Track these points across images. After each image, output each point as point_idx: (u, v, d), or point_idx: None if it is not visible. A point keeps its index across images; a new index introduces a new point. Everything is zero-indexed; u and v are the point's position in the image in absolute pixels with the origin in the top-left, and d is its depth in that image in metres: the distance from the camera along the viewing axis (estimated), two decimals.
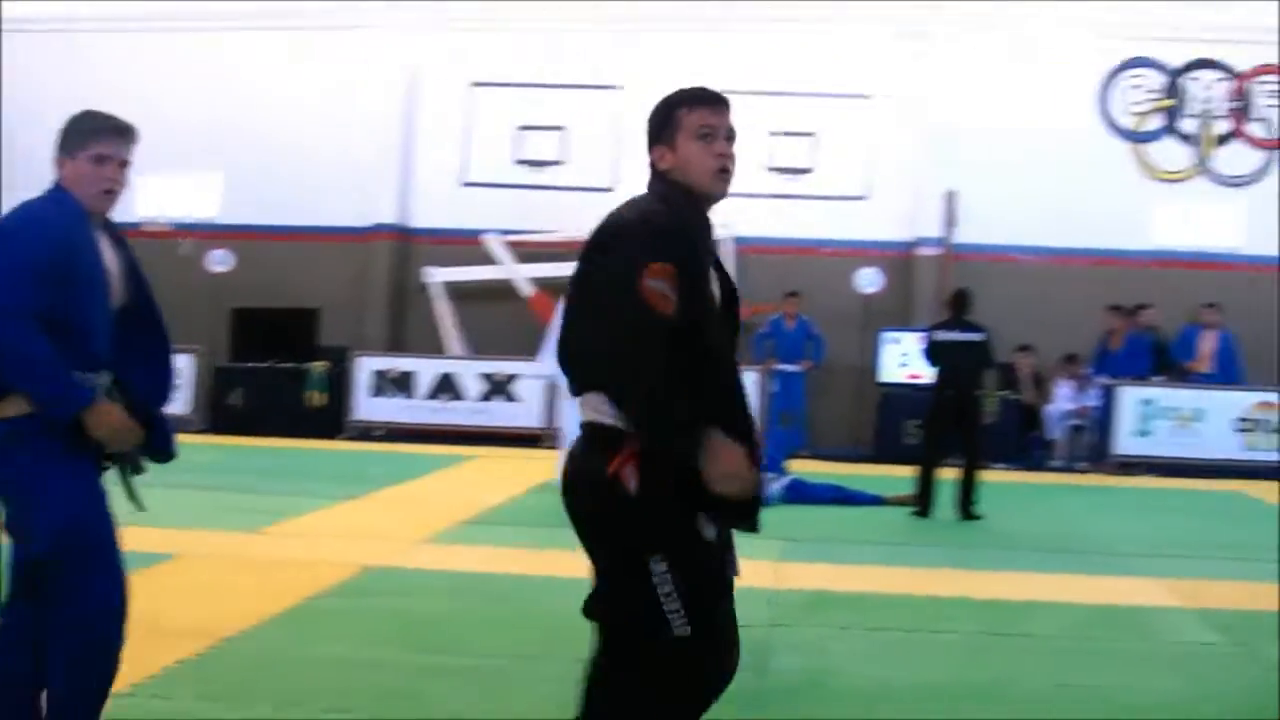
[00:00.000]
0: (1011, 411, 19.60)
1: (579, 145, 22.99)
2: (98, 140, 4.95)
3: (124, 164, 5.02)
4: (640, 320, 4.04)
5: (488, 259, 22.32)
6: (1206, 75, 23.33)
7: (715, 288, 4.38)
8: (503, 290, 22.10)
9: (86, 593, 4.82)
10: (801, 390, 21.22)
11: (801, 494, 15.05)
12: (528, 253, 22.26)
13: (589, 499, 4.22)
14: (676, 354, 4.03)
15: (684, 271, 4.16)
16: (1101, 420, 20.48)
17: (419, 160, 23.49)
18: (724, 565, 4.34)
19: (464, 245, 22.53)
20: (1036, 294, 21.99)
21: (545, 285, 21.88)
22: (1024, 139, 22.56)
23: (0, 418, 4.76)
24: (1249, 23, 22.98)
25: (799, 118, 22.88)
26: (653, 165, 4.54)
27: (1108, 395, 20.25)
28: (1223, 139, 23.24)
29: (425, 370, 21.29)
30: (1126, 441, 20.03)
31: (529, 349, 20.83)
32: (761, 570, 10.45)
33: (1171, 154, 23.20)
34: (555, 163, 22.98)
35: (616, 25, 23.05)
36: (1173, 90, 23.25)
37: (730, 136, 4.46)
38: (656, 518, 4.10)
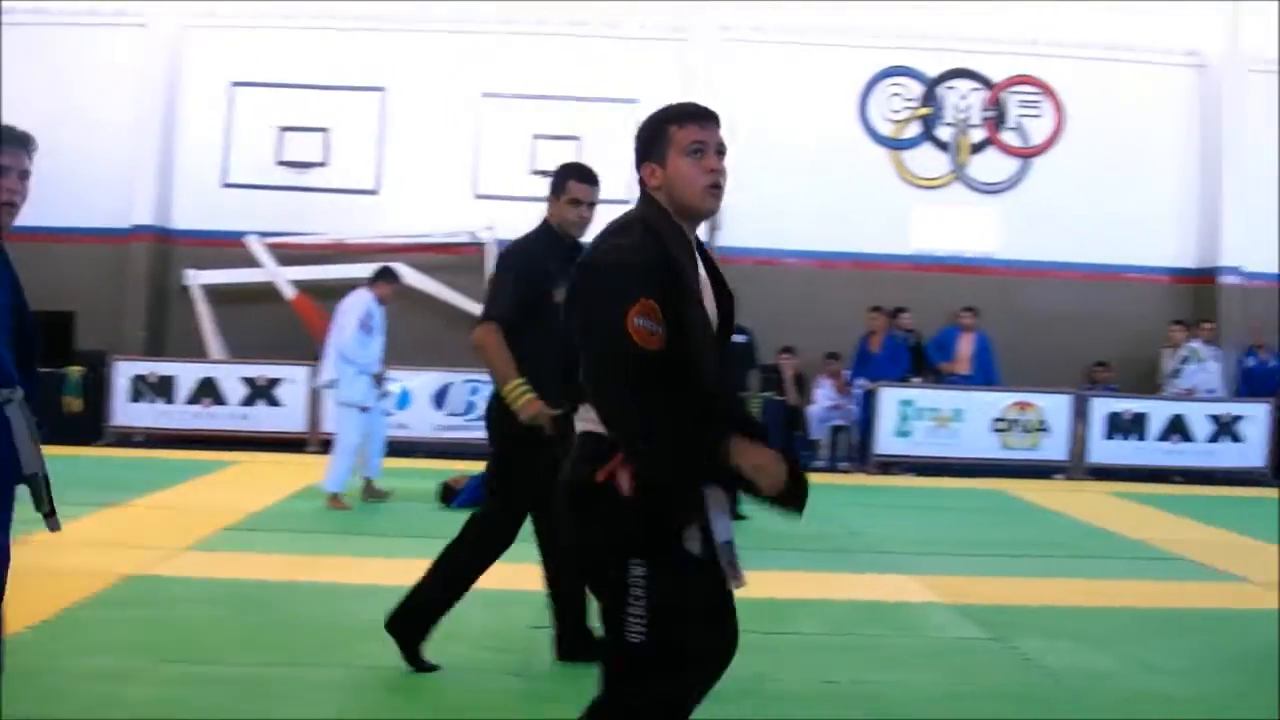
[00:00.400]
0: (775, 412, 19.81)
1: (342, 147, 22.73)
2: (12, 151, 4.82)
3: (24, 174, 4.91)
4: (627, 359, 4.09)
5: (250, 261, 21.95)
6: (963, 85, 23.87)
7: (710, 300, 4.45)
8: (265, 293, 21.75)
9: None
10: None
11: None
12: (290, 255, 21.94)
13: (576, 504, 4.25)
14: (671, 380, 4.13)
15: (668, 302, 4.19)
16: (862, 420, 20.81)
17: (179, 160, 23.00)
18: (718, 581, 4.32)
19: (225, 247, 22.10)
20: (800, 297, 22.29)
21: (308, 288, 21.61)
22: (787, 144, 22.85)
23: None
24: (1004, 34, 23.61)
25: (564, 122, 22.89)
26: (641, 183, 4.52)
27: (868, 396, 20.58)
28: (978, 147, 23.80)
29: (186, 374, 20.81)
30: (887, 441, 20.35)
31: (292, 352, 20.59)
32: (527, 572, 10.43)
33: (929, 161, 23.70)
34: (318, 164, 22.68)
35: (380, 27, 22.82)
36: (930, 99, 23.74)
37: (720, 151, 4.55)
38: (643, 524, 4.13)
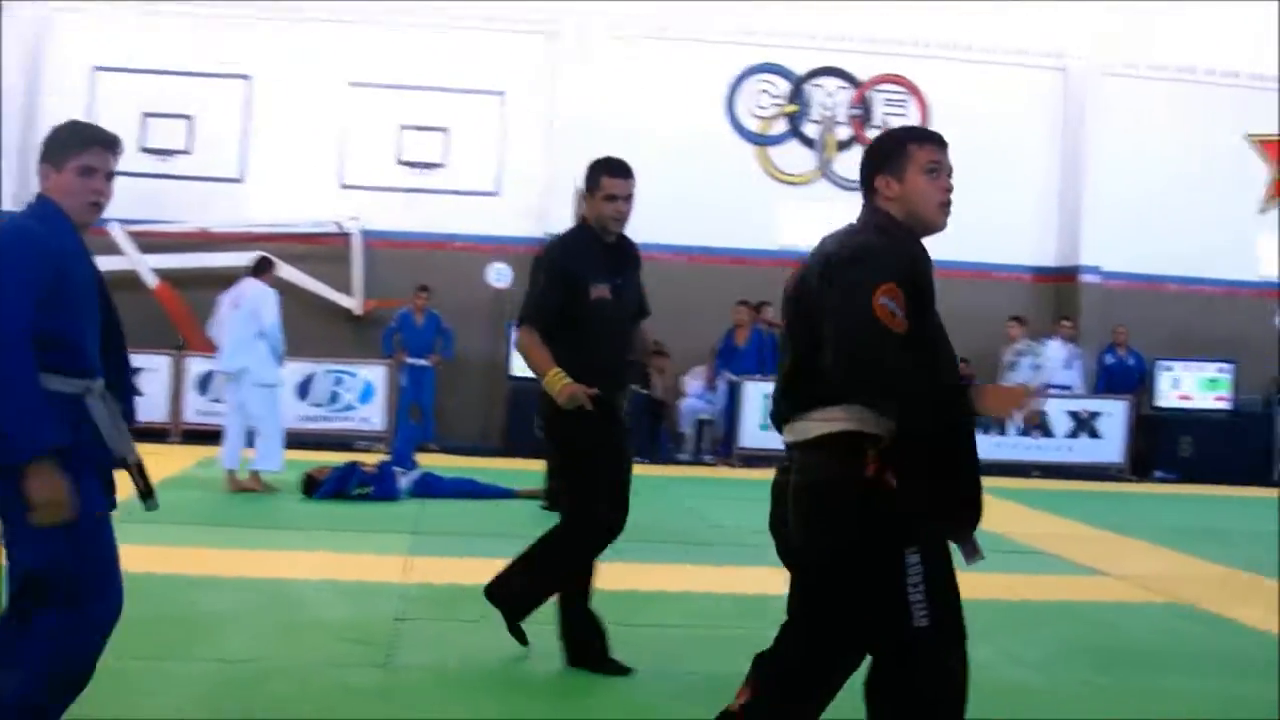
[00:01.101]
0: (642, 406, 19.85)
1: (206, 135, 22.46)
2: (85, 152, 4.94)
3: (110, 175, 5.02)
4: (876, 334, 4.37)
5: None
6: (829, 83, 24.05)
7: None
8: (127, 281, 21.39)
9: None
10: (431, 384, 21.13)
11: (431, 488, 14.99)
12: (153, 243, 21.64)
13: (840, 501, 4.47)
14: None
15: (910, 294, 4.50)
16: (727, 414, 20.91)
17: (39, 145, 22.56)
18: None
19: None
20: (667, 292, 22.24)
21: (170, 276, 21.35)
22: (656, 139, 22.84)
23: None
24: (871, 33, 23.81)
25: (431, 112, 22.79)
26: (873, 194, 4.81)
27: (733, 390, 20.68)
28: (844, 144, 23.98)
29: None
30: (752, 435, 20.43)
31: (153, 341, 20.31)
32: (390, 565, 10.40)
33: (796, 158, 23.86)
34: (182, 152, 22.38)
35: (246, 14, 22.57)
36: (797, 96, 23.89)
37: (950, 173, 4.88)
38: (913, 515, 4.46)
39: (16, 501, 4.69)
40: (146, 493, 5.25)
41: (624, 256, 7.69)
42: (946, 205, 4.84)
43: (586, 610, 7.50)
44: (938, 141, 4.88)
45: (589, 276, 7.33)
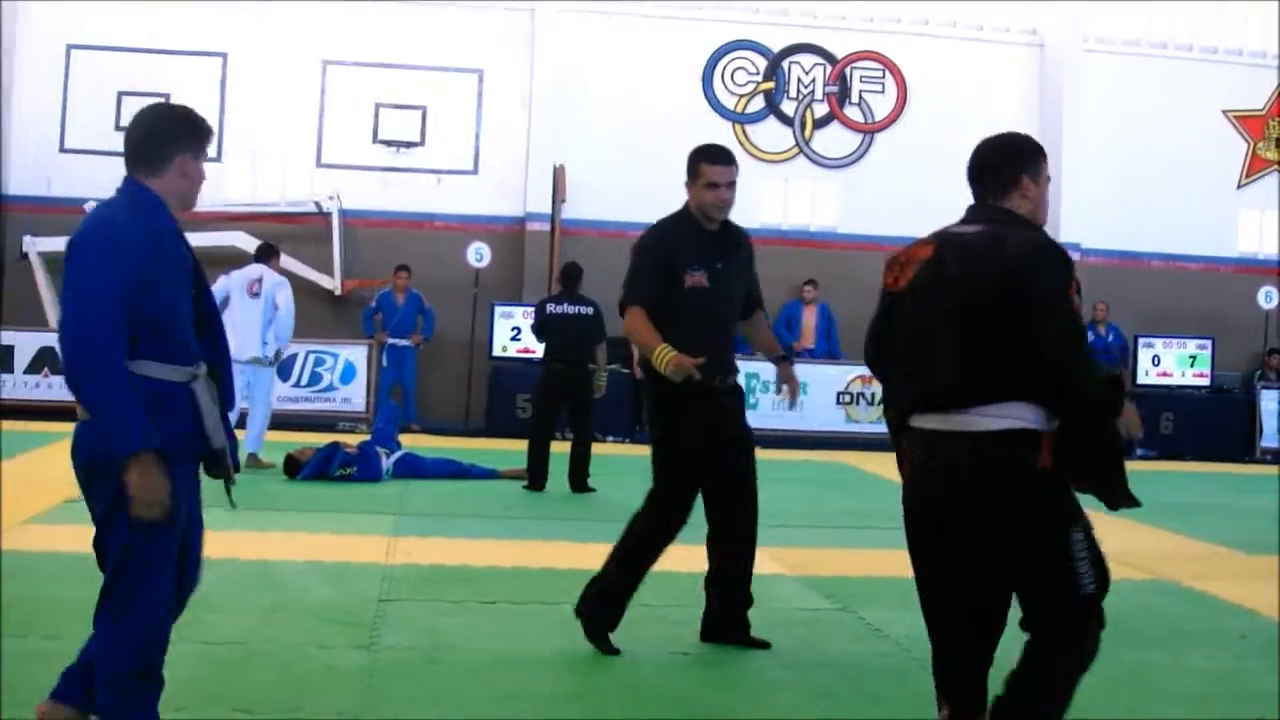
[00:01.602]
0: (624, 385, 19.84)
1: None
2: (207, 140, 5.07)
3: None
4: (1079, 332, 4.85)
5: None
6: (806, 59, 24.04)
7: None
8: None
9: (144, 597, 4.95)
10: (412, 364, 21.13)
11: (414, 469, 14.98)
12: None
13: (1020, 489, 4.79)
14: None
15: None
16: None
17: (14, 125, 22.49)
18: None
19: (64, 214, 21.60)
20: None
21: None
22: (632, 116, 22.89)
23: None
24: (848, 10, 23.82)
25: (408, 91, 22.75)
26: (1010, 191, 5.18)
27: None
28: (821, 122, 24.00)
29: (25, 344, 20.44)
30: None
31: None
32: (374, 546, 10.39)
33: (773, 135, 23.87)
34: None
35: None
36: (774, 73, 23.87)
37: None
38: (1075, 499, 4.92)
39: (111, 487, 4.76)
40: (229, 483, 5.23)
41: (728, 244, 7.62)
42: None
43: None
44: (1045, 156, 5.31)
45: (685, 264, 7.32)
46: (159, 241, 4.85)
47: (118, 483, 4.71)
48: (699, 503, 7.55)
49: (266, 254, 15.77)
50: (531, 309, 16.71)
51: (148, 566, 4.91)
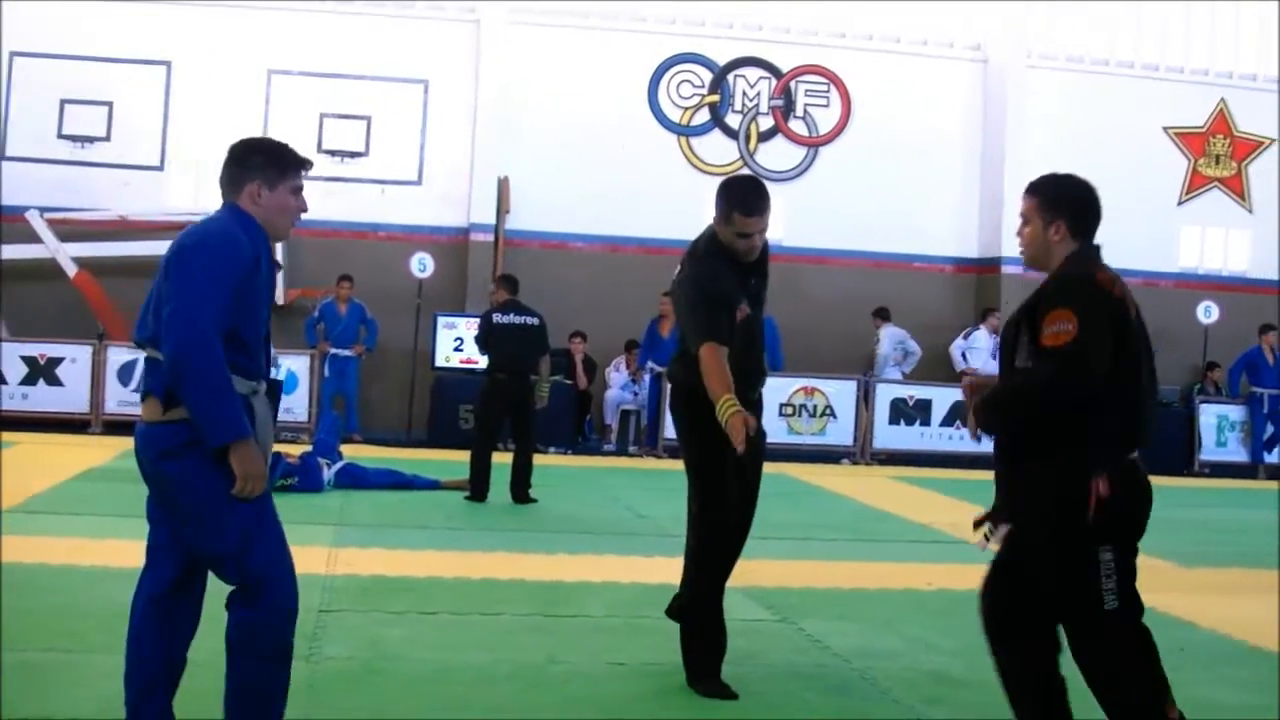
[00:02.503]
0: (566, 396, 19.84)
1: (125, 121, 22.23)
2: (299, 174, 5.33)
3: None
4: None
5: (30, 237, 21.34)
6: (752, 73, 24.09)
7: None
8: (46, 270, 21.19)
9: (270, 591, 5.18)
10: (355, 374, 21.04)
11: (356, 479, 14.92)
12: (72, 231, 21.40)
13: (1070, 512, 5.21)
14: None
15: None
16: (652, 405, 20.90)
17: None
18: None
19: (4, 222, 21.49)
20: (590, 281, 22.33)
21: (90, 265, 21.11)
22: (577, 128, 22.90)
23: (174, 420, 4.99)
24: (792, 24, 23.89)
25: (353, 100, 22.69)
26: (1049, 230, 5.47)
27: (657, 381, 20.67)
28: (766, 135, 24.05)
29: None
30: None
31: (73, 331, 20.11)
32: (314, 556, 10.32)
33: (718, 148, 23.90)
34: (101, 139, 22.15)
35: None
36: (718, 86, 23.92)
37: None
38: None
39: (202, 483, 5.02)
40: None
41: (761, 268, 7.63)
42: None
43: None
44: None
45: (735, 298, 7.30)
46: (255, 264, 5.10)
47: (212, 481, 5.01)
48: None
49: None
50: (475, 320, 16.64)
51: (267, 547, 5.16)
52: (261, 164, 5.28)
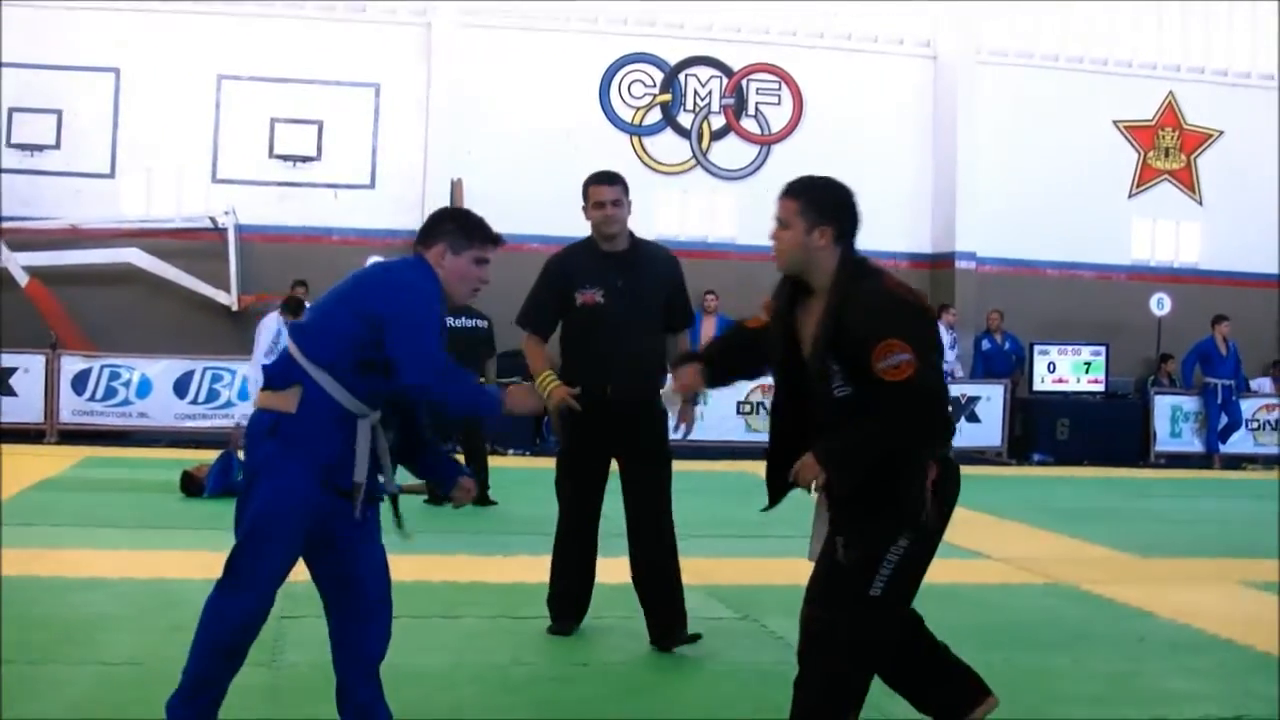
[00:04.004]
0: None
1: (75, 129, 22.10)
2: (486, 246, 5.67)
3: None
4: None
5: None
6: (703, 72, 24.12)
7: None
8: None
9: (217, 601, 5.48)
10: None
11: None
12: (22, 240, 21.25)
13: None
14: None
15: None
16: None
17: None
18: None
19: None
20: None
21: (41, 274, 20.99)
22: (530, 129, 22.91)
23: (274, 408, 5.36)
24: (744, 22, 23.94)
25: (304, 105, 22.62)
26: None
27: None
28: (718, 134, 24.09)
29: None
30: None
31: (26, 340, 19.98)
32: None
33: (670, 147, 23.93)
34: (50, 147, 22.01)
35: (113, 5, 22.22)
36: (670, 86, 23.94)
37: None
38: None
39: (259, 466, 5.40)
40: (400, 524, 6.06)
41: (635, 263, 8.03)
42: None
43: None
44: None
45: (579, 283, 7.86)
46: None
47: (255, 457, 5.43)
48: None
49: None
50: None
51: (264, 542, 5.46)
52: (453, 229, 5.64)
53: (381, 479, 5.75)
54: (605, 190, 8.03)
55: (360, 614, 5.72)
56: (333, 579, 5.73)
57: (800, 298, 5.38)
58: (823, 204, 5.31)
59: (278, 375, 5.41)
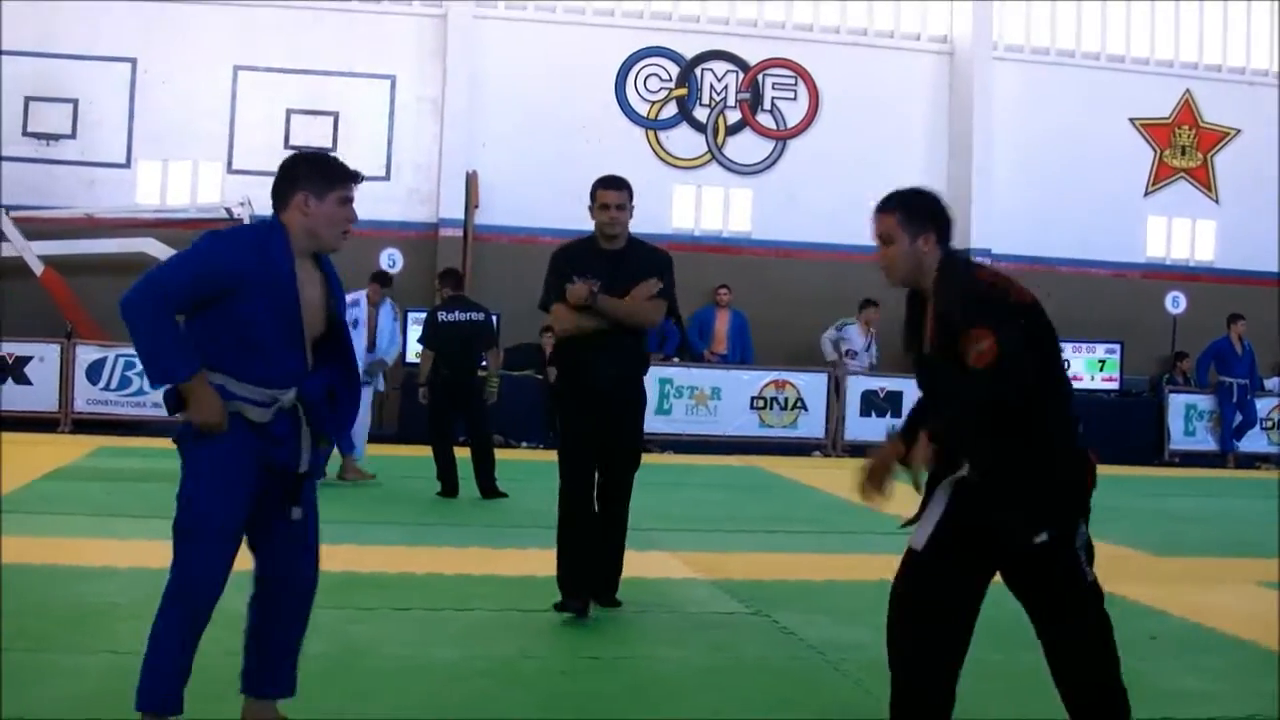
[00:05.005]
0: (537, 391, 19.81)
1: (92, 119, 22.13)
2: (346, 185, 5.47)
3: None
4: None
5: None
6: (719, 66, 24.09)
7: None
8: (12, 268, 21.07)
9: (177, 564, 5.49)
10: None
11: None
12: (38, 229, 21.27)
13: None
14: None
15: None
16: None
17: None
18: None
19: None
20: None
21: (57, 263, 21.01)
22: (545, 123, 22.92)
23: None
24: (759, 17, 23.91)
25: (320, 96, 22.64)
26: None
27: None
28: (734, 129, 24.06)
29: None
30: (647, 419, 20.30)
31: (42, 329, 20.02)
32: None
33: (686, 141, 23.91)
34: (66, 136, 22.04)
35: None
36: (686, 80, 23.92)
37: None
38: None
39: (189, 453, 5.44)
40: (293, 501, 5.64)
41: (629, 262, 8.70)
42: None
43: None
44: None
45: (577, 272, 8.52)
46: (263, 274, 5.24)
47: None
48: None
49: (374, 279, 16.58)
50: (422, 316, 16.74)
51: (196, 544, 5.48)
52: (304, 174, 5.41)
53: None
54: (611, 195, 8.73)
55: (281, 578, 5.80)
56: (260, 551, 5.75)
57: (921, 306, 5.47)
58: (920, 211, 5.42)
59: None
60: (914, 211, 5.41)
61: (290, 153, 5.78)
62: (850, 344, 22.07)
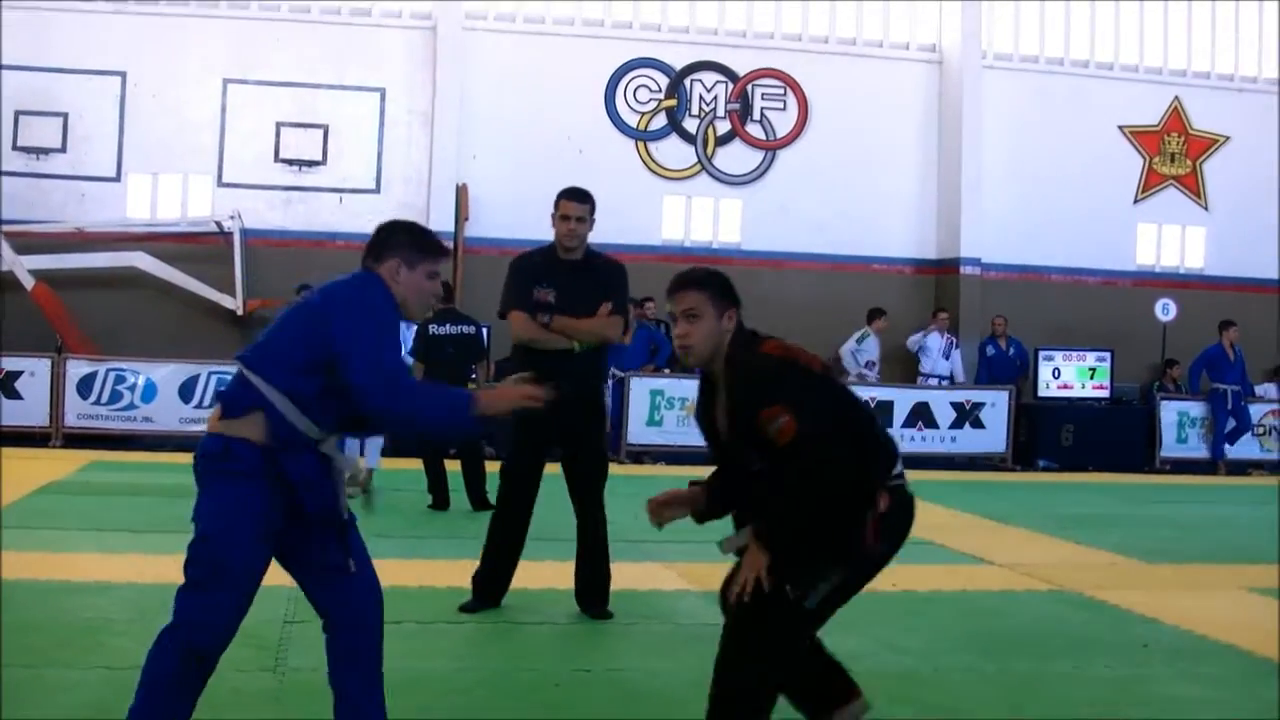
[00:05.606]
0: None
1: (82, 133, 22.11)
2: (437, 259, 5.55)
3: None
4: None
5: None
6: (708, 77, 24.11)
7: None
8: (3, 282, 21.00)
9: (185, 604, 5.27)
10: None
11: None
12: (28, 243, 21.24)
13: None
14: None
15: None
16: (614, 410, 20.86)
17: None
18: None
19: None
20: None
21: (47, 277, 20.98)
22: (535, 134, 22.92)
23: (229, 434, 5.22)
24: (748, 28, 23.94)
25: (310, 109, 22.63)
26: None
27: (619, 385, 20.67)
28: (723, 139, 24.07)
29: None
30: (638, 431, 20.43)
31: (32, 343, 19.98)
32: (279, 567, 10.28)
33: (676, 152, 23.91)
34: (57, 150, 22.02)
35: (120, 9, 22.24)
36: (675, 91, 23.93)
37: None
38: None
39: (211, 492, 5.31)
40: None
41: (580, 271, 8.94)
42: None
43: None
44: None
45: (534, 281, 8.82)
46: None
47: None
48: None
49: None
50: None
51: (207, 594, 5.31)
52: (403, 242, 5.53)
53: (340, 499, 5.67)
54: (574, 206, 8.92)
55: (350, 622, 5.83)
56: (321, 598, 5.82)
57: (712, 389, 5.51)
58: (728, 289, 5.50)
59: (234, 400, 5.31)
60: (723, 289, 5.47)
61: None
62: (869, 355, 22.13)
